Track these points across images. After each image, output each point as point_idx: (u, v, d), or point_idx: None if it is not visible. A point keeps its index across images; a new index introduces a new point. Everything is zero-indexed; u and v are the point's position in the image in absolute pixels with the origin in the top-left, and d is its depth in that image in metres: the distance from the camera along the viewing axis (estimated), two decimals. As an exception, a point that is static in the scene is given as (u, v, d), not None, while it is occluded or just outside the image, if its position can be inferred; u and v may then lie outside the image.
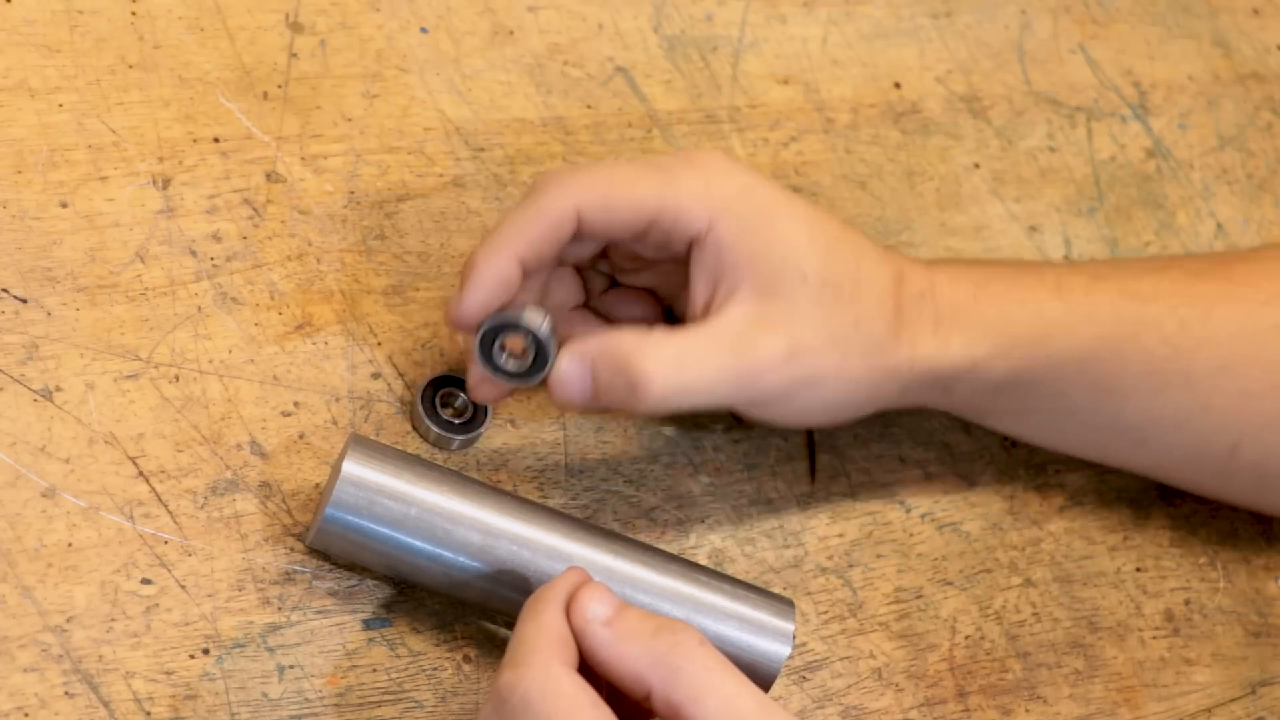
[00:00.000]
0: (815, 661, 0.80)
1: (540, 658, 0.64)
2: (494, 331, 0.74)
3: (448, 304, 0.74)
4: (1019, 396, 0.80)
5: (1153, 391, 0.81)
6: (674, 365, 0.72)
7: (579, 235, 0.74)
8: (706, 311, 0.74)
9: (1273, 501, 0.86)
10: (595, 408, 0.74)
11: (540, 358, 0.74)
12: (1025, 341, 0.79)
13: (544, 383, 0.74)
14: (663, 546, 0.79)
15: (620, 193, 0.74)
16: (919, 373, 0.78)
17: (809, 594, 0.81)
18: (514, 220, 0.74)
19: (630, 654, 0.65)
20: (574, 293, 0.79)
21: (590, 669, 0.66)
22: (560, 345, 0.74)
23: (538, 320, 0.73)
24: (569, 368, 0.73)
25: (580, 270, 0.79)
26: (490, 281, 0.73)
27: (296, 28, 0.84)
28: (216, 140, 0.80)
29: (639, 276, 0.80)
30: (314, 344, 0.78)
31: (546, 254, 0.74)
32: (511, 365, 0.74)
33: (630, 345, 0.73)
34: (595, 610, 0.66)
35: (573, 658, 0.65)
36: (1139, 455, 0.84)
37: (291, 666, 0.72)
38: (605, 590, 0.67)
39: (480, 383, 0.76)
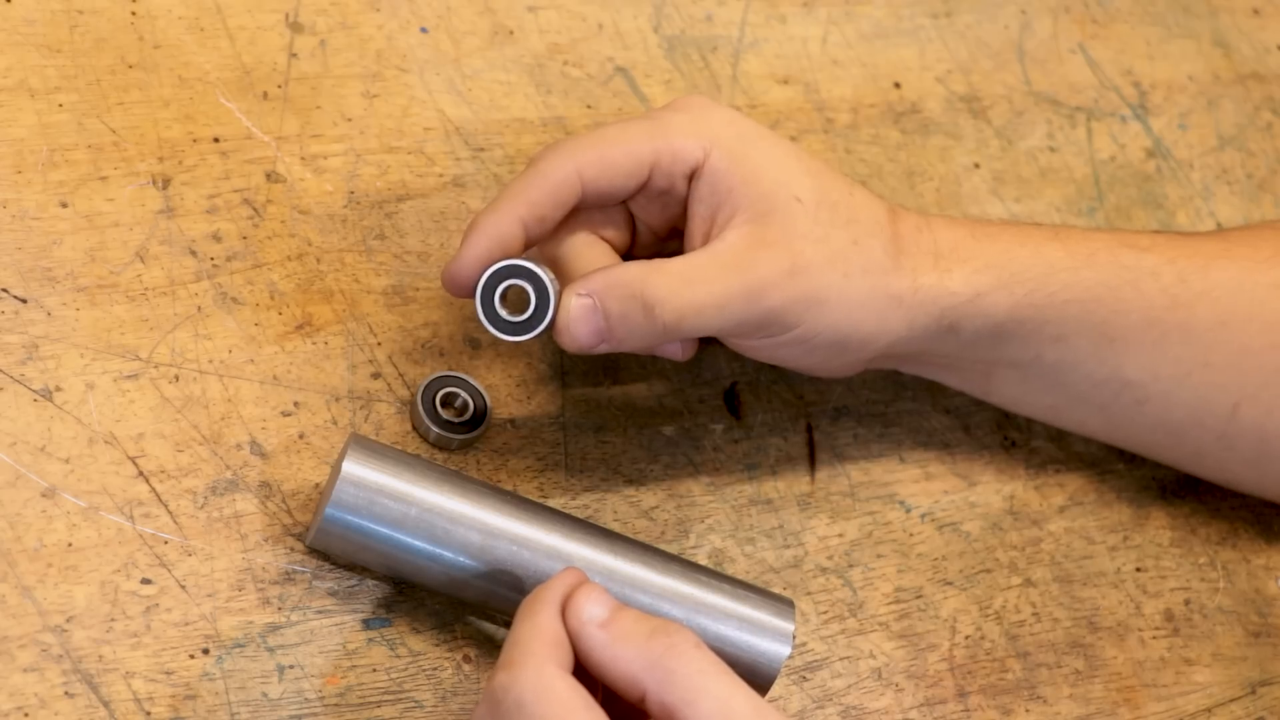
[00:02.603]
0: (815, 661, 0.80)
1: (535, 659, 0.64)
2: (495, 281, 0.73)
3: (445, 265, 0.74)
4: (1022, 341, 0.80)
5: (1153, 343, 0.81)
6: (683, 285, 0.73)
7: (584, 199, 0.75)
8: (706, 240, 0.75)
9: (1273, 473, 0.86)
10: (606, 344, 0.74)
11: (543, 305, 0.73)
12: (1027, 279, 0.79)
13: (550, 330, 0.74)
14: (663, 546, 0.79)
15: (616, 148, 0.75)
16: (923, 302, 0.78)
17: (809, 594, 0.81)
18: (515, 185, 0.74)
19: (625, 656, 0.65)
20: None
21: (586, 670, 0.66)
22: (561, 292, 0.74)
23: (540, 267, 0.73)
24: (578, 305, 0.73)
25: None
26: (489, 239, 0.73)
27: (296, 28, 0.84)
28: (216, 140, 0.80)
29: None
30: (314, 344, 0.78)
31: (549, 217, 0.74)
32: (514, 317, 0.74)
33: (637, 272, 0.73)
34: (591, 612, 0.66)
35: (567, 659, 0.65)
36: (1141, 417, 0.84)
37: (291, 666, 0.72)
38: (601, 591, 0.67)
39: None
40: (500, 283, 0.73)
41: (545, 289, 0.73)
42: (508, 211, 0.74)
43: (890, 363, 0.82)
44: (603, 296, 0.73)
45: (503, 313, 0.73)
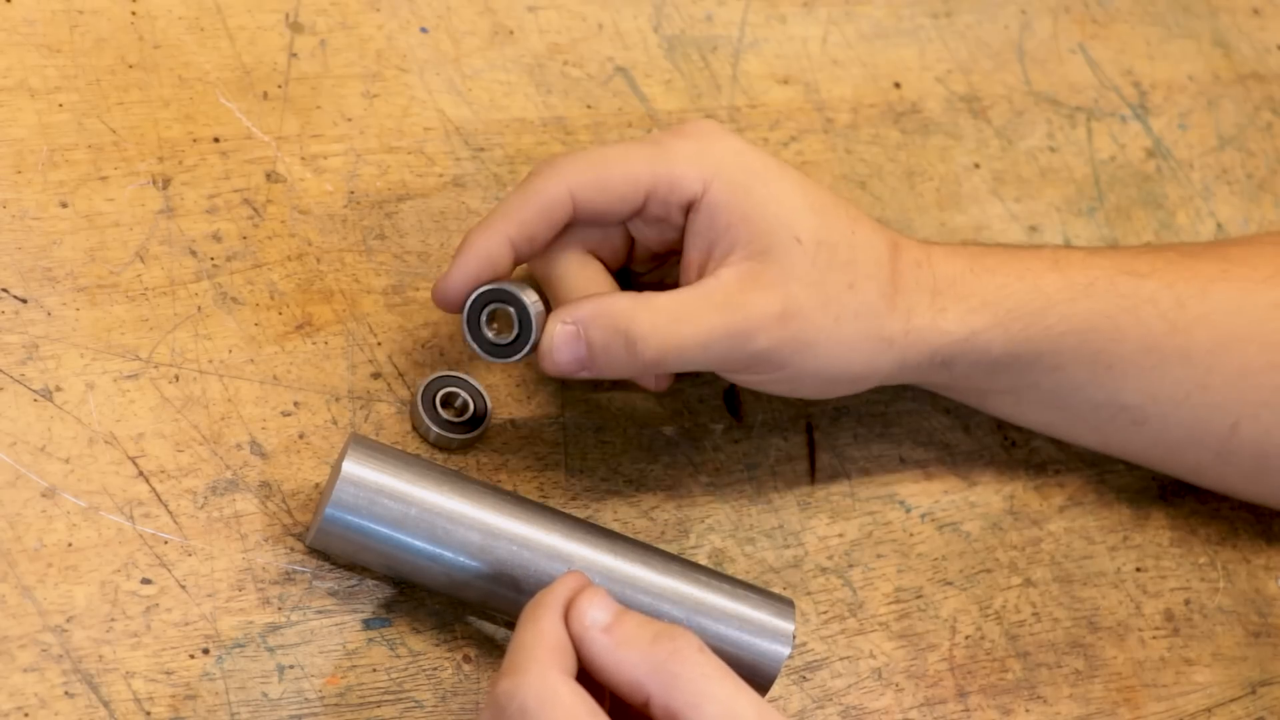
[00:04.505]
0: (815, 661, 0.80)
1: (538, 666, 0.64)
2: (480, 304, 0.74)
3: (435, 282, 0.75)
4: (1018, 372, 0.80)
5: (1151, 368, 0.81)
6: (668, 322, 0.73)
7: (576, 219, 0.74)
8: (700, 274, 0.75)
9: (1272, 486, 0.86)
10: (587, 372, 0.74)
11: (527, 329, 0.74)
12: (1024, 314, 0.79)
13: (534, 353, 0.74)
14: (663, 546, 0.79)
15: (613, 171, 0.74)
16: (915, 343, 0.77)
17: (809, 594, 0.81)
18: (506, 203, 0.74)
19: (629, 660, 0.65)
20: None
21: (590, 675, 0.66)
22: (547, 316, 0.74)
23: (524, 291, 0.73)
24: (562, 332, 0.73)
25: None
26: (477, 258, 0.73)
27: (296, 28, 0.84)
28: (216, 140, 0.80)
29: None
30: (314, 344, 0.78)
31: (539, 237, 0.74)
32: (499, 339, 0.74)
33: (623, 305, 0.73)
34: (594, 616, 0.66)
35: (571, 665, 0.65)
36: (1138, 437, 0.84)
37: (291, 666, 0.72)
38: (604, 595, 0.67)
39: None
40: (486, 305, 0.74)
41: (529, 315, 0.73)
42: (497, 231, 0.73)
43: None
44: (587, 326, 0.73)
45: (489, 334, 0.74)
